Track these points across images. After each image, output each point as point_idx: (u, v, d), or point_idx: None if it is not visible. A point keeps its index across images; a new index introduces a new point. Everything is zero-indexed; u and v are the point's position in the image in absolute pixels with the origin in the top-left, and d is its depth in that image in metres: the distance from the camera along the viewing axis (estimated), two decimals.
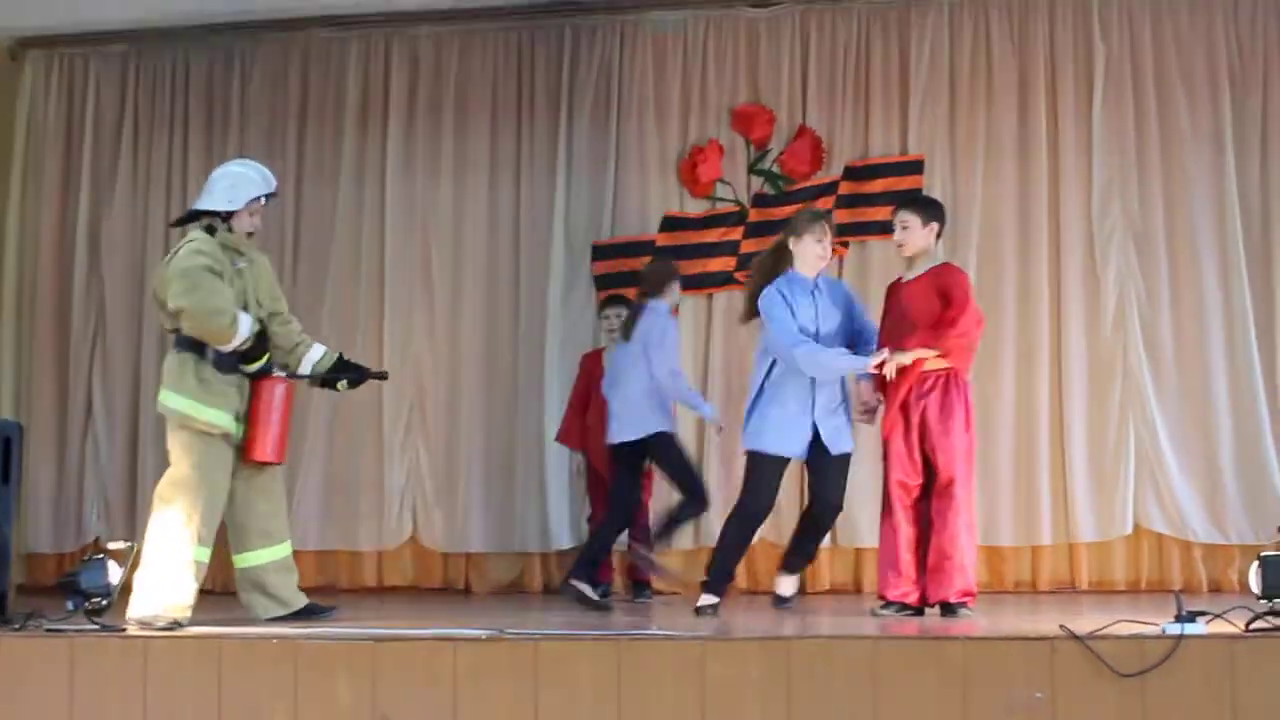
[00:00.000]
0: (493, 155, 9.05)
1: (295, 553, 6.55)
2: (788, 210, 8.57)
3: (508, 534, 8.72)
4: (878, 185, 8.53)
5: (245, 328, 6.11)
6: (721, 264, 8.66)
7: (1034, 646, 4.75)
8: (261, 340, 6.23)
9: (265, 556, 6.32)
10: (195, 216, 6.37)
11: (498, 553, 8.78)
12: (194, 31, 9.30)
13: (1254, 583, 5.08)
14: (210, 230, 6.28)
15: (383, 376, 7.00)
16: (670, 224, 8.80)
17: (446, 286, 8.97)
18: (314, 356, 6.57)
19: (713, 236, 8.72)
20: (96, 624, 5.47)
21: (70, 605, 5.58)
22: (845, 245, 8.52)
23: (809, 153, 8.67)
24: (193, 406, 6.08)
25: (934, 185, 8.45)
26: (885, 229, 8.26)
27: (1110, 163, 8.41)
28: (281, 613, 6.27)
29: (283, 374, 6.38)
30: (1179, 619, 4.80)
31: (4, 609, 5.83)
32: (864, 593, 8.21)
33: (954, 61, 8.66)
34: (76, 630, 5.38)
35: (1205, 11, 8.49)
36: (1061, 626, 4.83)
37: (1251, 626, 4.87)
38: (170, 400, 6.13)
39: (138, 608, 5.87)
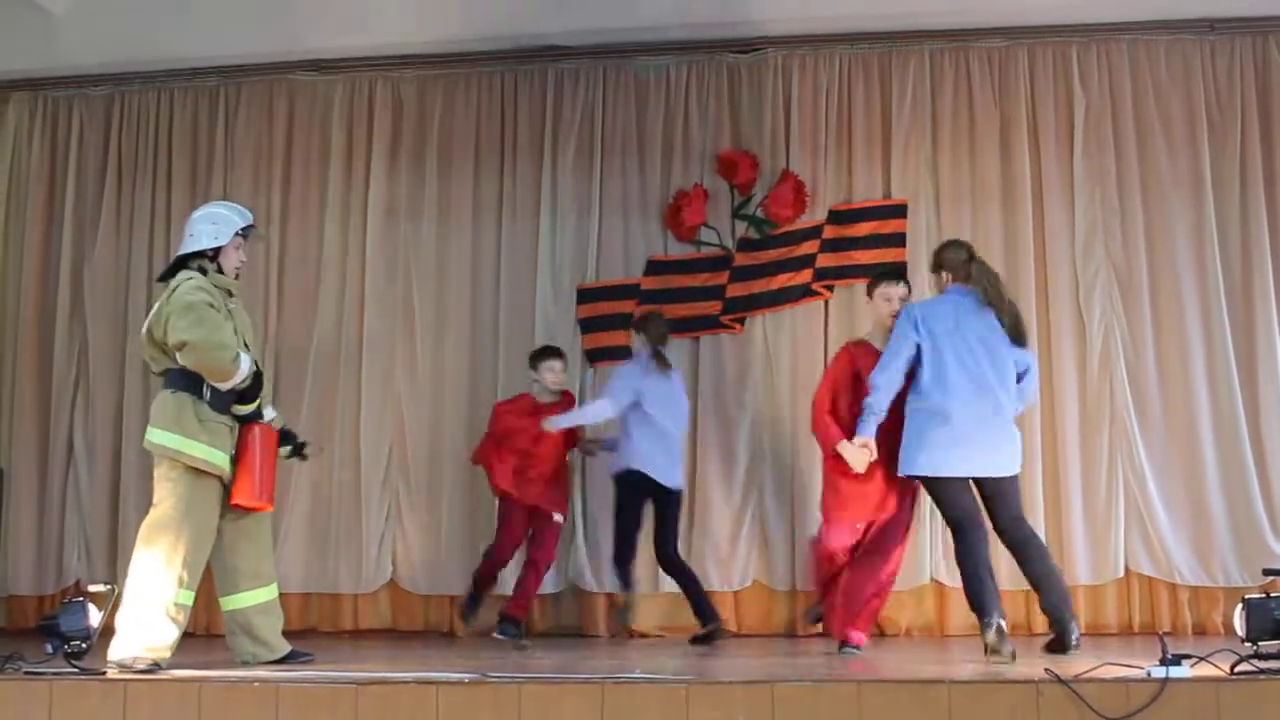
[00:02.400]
0: (476, 198, 9.06)
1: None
2: (772, 254, 8.64)
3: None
4: (863, 229, 8.58)
5: (246, 365, 6.10)
6: (707, 308, 8.67)
7: (1020, 689, 4.73)
8: (257, 381, 6.22)
9: (251, 599, 6.27)
10: (182, 265, 6.36)
11: None
12: (178, 74, 9.34)
13: (1239, 626, 5.08)
14: (201, 271, 6.28)
15: (303, 457, 6.99)
16: (655, 268, 8.82)
17: (429, 328, 8.96)
18: (269, 416, 6.54)
19: (698, 280, 8.73)
20: (76, 667, 5.42)
21: (50, 648, 5.53)
22: (831, 289, 8.57)
23: (792, 196, 8.69)
24: (187, 444, 6.03)
25: (919, 228, 8.53)
26: (871, 272, 8.34)
27: (1092, 207, 8.49)
28: (268, 658, 6.22)
29: (269, 421, 6.37)
30: (1164, 662, 4.79)
31: None
32: None
33: (936, 106, 8.73)
34: (56, 673, 5.32)
35: (1181, 59, 8.61)
36: (1047, 669, 4.82)
37: (1236, 670, 4.86)
38: (162, 438, 6.06)
39: (117, 649, 5.82)
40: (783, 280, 8.64)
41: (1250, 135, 8.50)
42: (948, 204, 8.62)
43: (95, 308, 9.21)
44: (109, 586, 5.87)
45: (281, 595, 6.54)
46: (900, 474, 6.41)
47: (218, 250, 6.32)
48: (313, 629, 8.66)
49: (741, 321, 8.68)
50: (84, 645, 5.53)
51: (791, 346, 8.62)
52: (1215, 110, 8.55)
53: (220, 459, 6.08)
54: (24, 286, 9.36)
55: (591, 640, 8.32)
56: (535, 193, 9.00)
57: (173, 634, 5.92)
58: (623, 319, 8.70)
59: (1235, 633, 5.12)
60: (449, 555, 8.70)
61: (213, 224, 6.34)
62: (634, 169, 8.96)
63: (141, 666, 5.67)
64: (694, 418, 8.58)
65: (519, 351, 8.74)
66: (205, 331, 6.01)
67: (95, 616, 5.63)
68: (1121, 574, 8.17)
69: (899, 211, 8.60)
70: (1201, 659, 4.95)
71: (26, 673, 5.41)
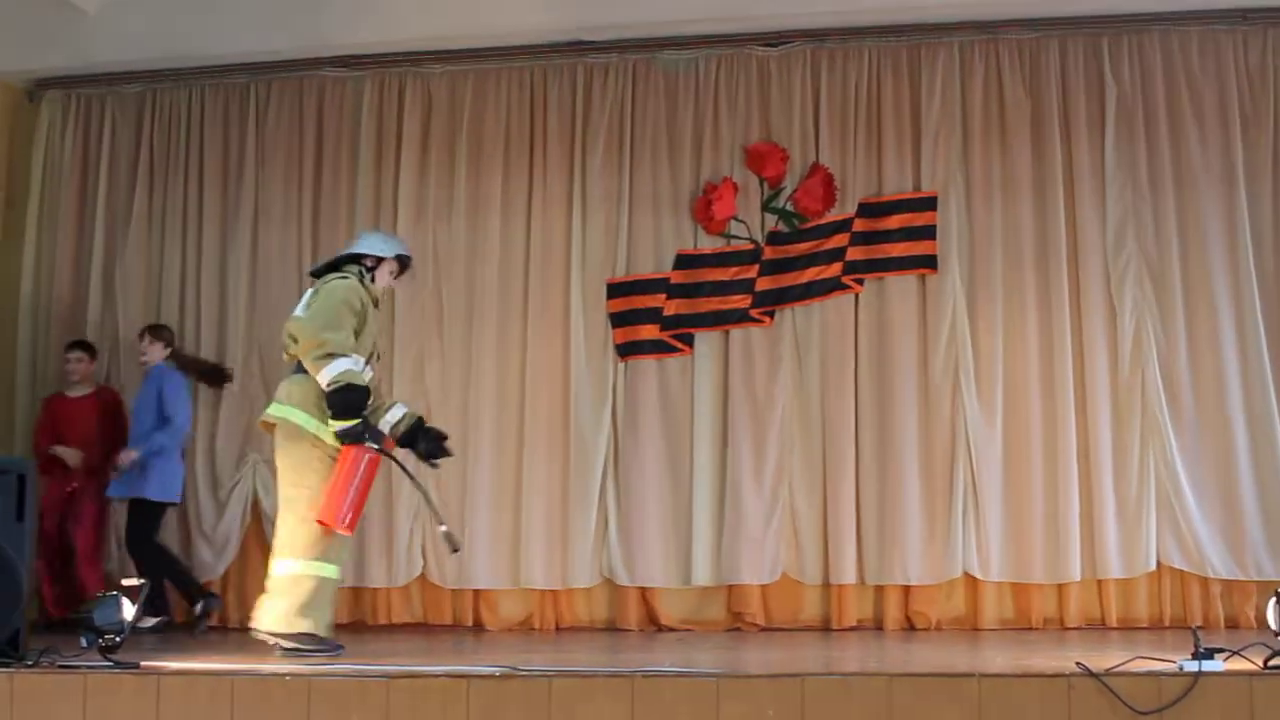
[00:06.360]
0: (505, 193, 9.06)
1: None
2: (802, 248, 8.64)
3: (518, 571, 8.68)
4: (893, 222, 8.56)
5: (338, 369, 6.13)
6: (737, 301, 8.66)
7: (1051, 683, 4.71)
8: (339, 394, 6.14)
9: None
10: (334, 267, 6.51)
11: (508, 590, 8.75)
12: (209, 72, 9.38)
13: (1272, 619, 5.06)
14: (359, 275, 6.44)
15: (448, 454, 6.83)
16: (684, 261, 8.81)
17: (459, 323, 8.97)
18: (392, 419, 6.59)
19: (727, 274, 8.72)
20: (110, 661, 5.46)
21: (84, 642, 5.57)
22: (861, 282, 8.55)
23: (822, 190, 8.67)
24: (321, 428, 6.15)
25: (949, 221, 8.50)
26: (901, 265, 8.33)
27: (1124, 198, 8.44)
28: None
29: (374, 447, 6.22)
30: (1196, 656, 4.76)
31: (18, 646, 5.81)
32: (884, 629, 8.22)
33: (965, 99, 8.69)
34: (90, 667, 5.36)
35: (1214, 49, 8.54)
36: (1078, 663, 4.80)
37: (1270, 664, 4.83)
38: (303, 419, 6.22)
39: (273, 623, 6.02)
40: (813, 274, 8.62)
41: None
42: (978, 196, 8.59)
43: (127, 304, 9.26)
44: (142, 581, 5.91)
45: None
46: None
47: (378, 262, 6.49)
48: (353, 622, 8.69)
49: (771, 315, 8.66)
50: (118, 639, 5.58)
51: (821, 340, 8.59)
52: (1248, 100, 8.48)
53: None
54: (56, 283, 9.42)
55: (623, 634, 8.33)
56: (565, 187, 8.99)
57: (329, 608, 6.18)
58: (653, 313, 8.70)
59: (1268, 626, 5.10)
60: (478, 549, 8.69)
61: (384, 239, 6.78)
62: (663, 163, 8.94)
63: (300, 643, 6.01)
64: (724, 411, 8.62)
65: (549, 347, 8.77)
66: (321, 321, 6.21)
67: (129, 610, 5.67)
68: (1153, 568, 8.12)
69: (929, 204, 8.57)
70: (1234, 653, 4.92)
71: (61, 667, 5.44)
